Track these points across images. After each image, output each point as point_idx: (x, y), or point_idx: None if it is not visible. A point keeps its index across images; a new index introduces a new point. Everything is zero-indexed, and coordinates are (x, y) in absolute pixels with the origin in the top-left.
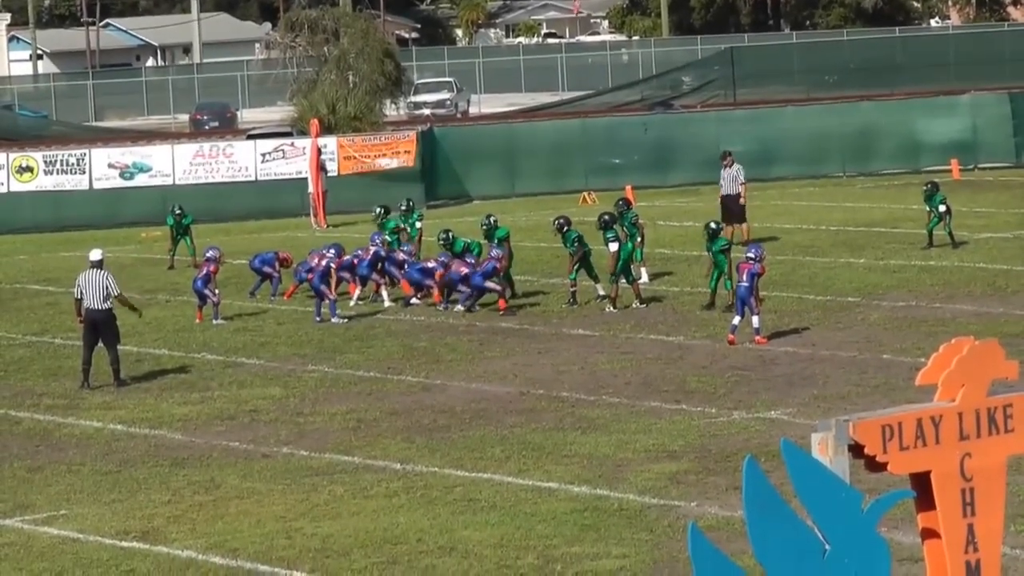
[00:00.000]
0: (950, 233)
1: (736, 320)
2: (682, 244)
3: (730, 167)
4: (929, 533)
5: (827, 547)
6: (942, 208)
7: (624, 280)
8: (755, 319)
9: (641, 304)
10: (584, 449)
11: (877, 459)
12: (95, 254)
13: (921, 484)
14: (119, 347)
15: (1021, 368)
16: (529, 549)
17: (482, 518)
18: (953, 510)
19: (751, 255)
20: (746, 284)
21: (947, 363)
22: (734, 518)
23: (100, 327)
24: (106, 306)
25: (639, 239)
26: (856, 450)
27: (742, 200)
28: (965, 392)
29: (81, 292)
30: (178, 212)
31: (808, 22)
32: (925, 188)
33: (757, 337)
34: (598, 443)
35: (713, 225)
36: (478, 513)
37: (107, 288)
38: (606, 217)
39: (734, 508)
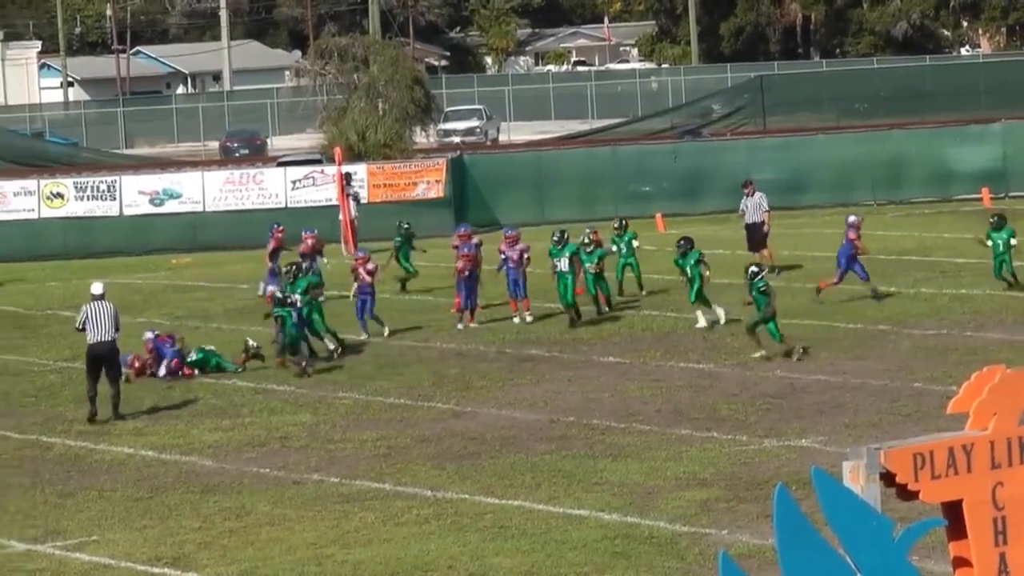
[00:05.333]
0: (1012, 271)
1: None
2: (712, 272)
3: (752, 195)
4: (961, 562)
5: (858, 575)
6: (1014, 242)
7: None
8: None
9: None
10: (615, 476)
11: (908, 487)
12: (96, 287)
13: (953, 512)
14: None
15: None
16: None
17: (513, 545)
18: (985, 539)
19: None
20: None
21: (979, 391)
22: (765, 546)
23: (104, 360)
24: (112, 338)
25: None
26: (887, 478)
27: (767, 228)
28: (997, 421)
29: (84, 323)
30: (406, 227)
31: (838, 50)
32: (992, 220)
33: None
34: (629, 470)
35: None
36: (509, 540)
37: (113, 317)
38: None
39: (765, 536)
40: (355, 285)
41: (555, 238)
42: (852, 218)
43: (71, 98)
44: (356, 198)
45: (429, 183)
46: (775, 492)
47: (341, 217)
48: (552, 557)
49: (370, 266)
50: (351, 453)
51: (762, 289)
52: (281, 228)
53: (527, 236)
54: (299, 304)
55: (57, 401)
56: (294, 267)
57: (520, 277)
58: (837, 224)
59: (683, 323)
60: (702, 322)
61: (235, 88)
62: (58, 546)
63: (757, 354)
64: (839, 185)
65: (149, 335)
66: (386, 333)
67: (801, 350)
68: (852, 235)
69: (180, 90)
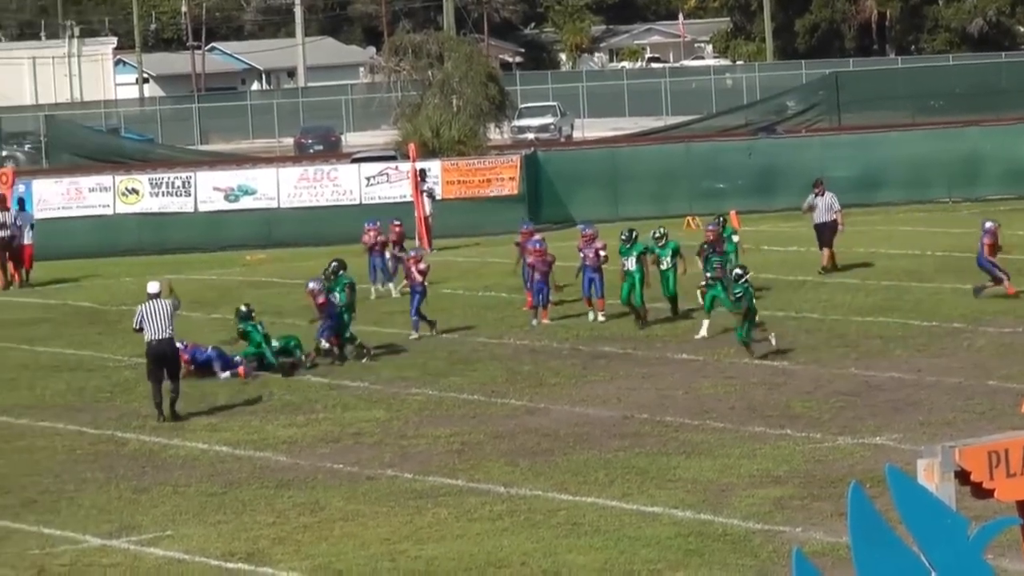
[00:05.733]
0: None
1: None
2: (786, 269)
3: (823, 195)
4: None
5: (933, 574)
6: None
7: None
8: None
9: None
10: (688, 474)
11: (983, 486)
12: (152, 286)
13: None
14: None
15: None
16: (633, 574)
17: (586, 542)
18: None
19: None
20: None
21: None
22: (839, 544)
23: (165, 358)
24: (169, 335)
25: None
26: (962, 476)
27: (841, 227)
28: None
29: (141, 323)
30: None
31: (913, 47)
32: None
33: None
34: (702, 468)
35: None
36: (582, 537)
37: (171, 315)
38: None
39: (839, 534)
40: (405, 283)
41: (623, 236)
42: (989, 224)
43: (146, 94)
44: (431, 195)
45: (503, 180)
46: (849, 490)
47: (416, 214)
48: (625, 554)
49: (422, 265)
50: (424, 449)
51: (738, 295)
52: (399, 224)
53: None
54: (337, 302)
55: (132, 397)
56: (336, 265)
57: (596, 275)
58: (911, 222)
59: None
60: (703, 332)
61: (310, 84)
62: (133, 541)
63: (757, 358)
64: (914, 182)
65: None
66: (413, 336)
67: (768, 346)
68: (988, 240)
69: (255, 86)
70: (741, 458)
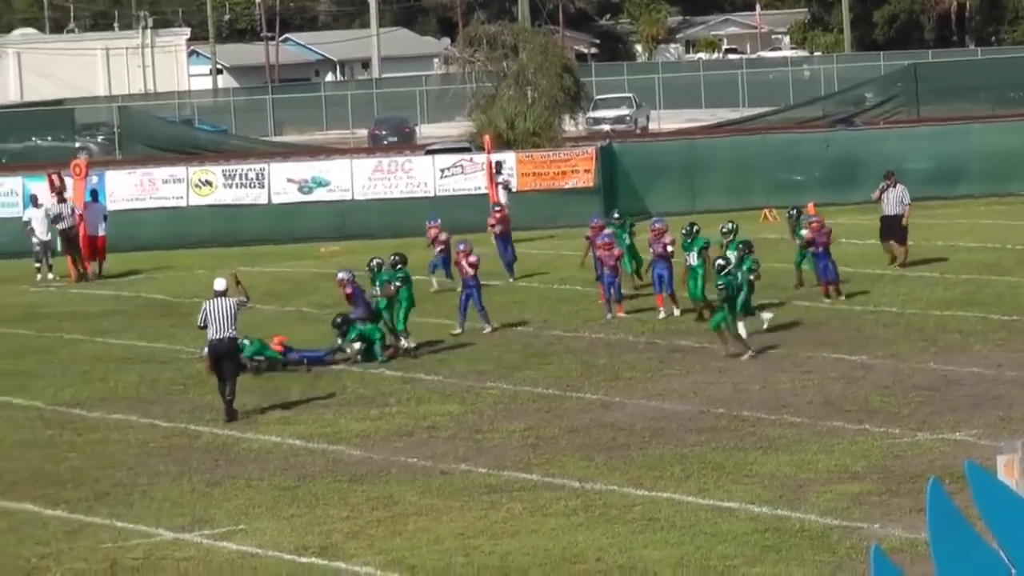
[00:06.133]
0: None
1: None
2: (864, 262)
3: (894, 187)
4: None
5: (1013, 571)
6: None
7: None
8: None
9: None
10: (765, 469)
11: None
12: (219, 283)
13: None
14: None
15: None
16: (709, 569)
17: (662, 537)
18: None
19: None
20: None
21: None
22: (918, 540)
23: (225, 356)
24: (231, 334)
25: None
26: None
27: (905, 220)
28: None
29: (206, 319)
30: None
31: (994, 38)
32: None
33: None
34: (779, 463)
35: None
36: (658, 532)
37: (234, 313)
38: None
39: (918, 530)
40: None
41: (684, 231)
42: None
43: (220, 85)
44: (507, 187)
45: (579, 172)
46: (928, 486)
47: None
48: (701, 550)
49: (472, 258)
50: (499, 443)
51: (720, 287)
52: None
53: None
54: (377, 295)
55: (205, 390)
56: (393, 258)
57: (666, 271)
58: (992, 215)
59: (835, 314)
60: (764, 323)
61: (384, 75)
62: (205, 535)
63: (746, 356)
64: (994, 175)
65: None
66: (487, 330)
67: (750, 354)
68: None
69: (329, 77)
70: (819, 453)
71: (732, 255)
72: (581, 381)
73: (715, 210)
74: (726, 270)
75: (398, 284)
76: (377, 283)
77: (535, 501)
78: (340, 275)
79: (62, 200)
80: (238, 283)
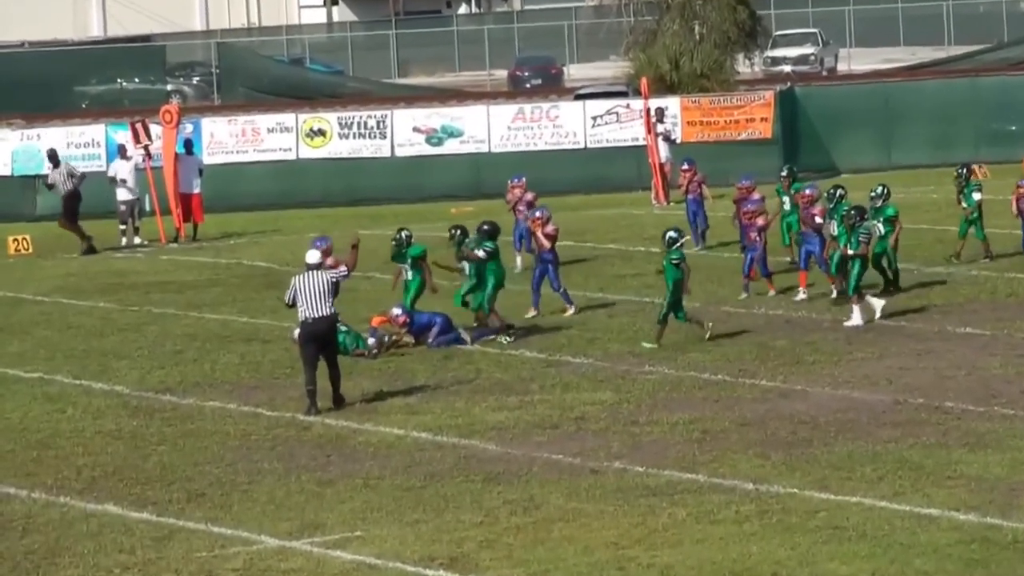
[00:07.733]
0: None
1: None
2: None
3: None
4: None
5: None
6: None
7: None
8: None
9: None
10: (972, 470)
11: None
12: (312, 256)
13: None
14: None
15: None
16: None
17: (850, 549)
18: None
19: None
20: None
21: None
22: None
23: (322, 339)
24: (329, 312)
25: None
26: None
27: None
28: None
29: (294, 297)
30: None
31: None
32: None
33: None
34: (989, 463)
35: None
36: (845, 543)
37: (330, 289)
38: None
39: None
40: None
41: (827, 195)
42: None
43: (335, 19)
44: (668, 138)
45: (754, 120)
46: None
47: (650, 160)
48: (896, 563)
49: (549, 228)
50: (659, 438)
51: (675, 262)
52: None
53: (868, 181)
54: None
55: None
56: (459, 231)
57: (817, 247)
58: None
59: None
60: (877, 312)
61: (526, 8)
62: (316, 542)
63: (649, 345)
64: None
65: (397, 311)
66: (570, 312)
67: (711, 325)
68: None
69: (462, 9)
70: None
71: (878, 226)
72: (756, 365)
73: (915, 165)
74: (678, 244)
75: (485, 253)
76: (466, 247)
77: (701, 506)
78: (395, 311)
79: (148, 155)
80: (354, 247)
